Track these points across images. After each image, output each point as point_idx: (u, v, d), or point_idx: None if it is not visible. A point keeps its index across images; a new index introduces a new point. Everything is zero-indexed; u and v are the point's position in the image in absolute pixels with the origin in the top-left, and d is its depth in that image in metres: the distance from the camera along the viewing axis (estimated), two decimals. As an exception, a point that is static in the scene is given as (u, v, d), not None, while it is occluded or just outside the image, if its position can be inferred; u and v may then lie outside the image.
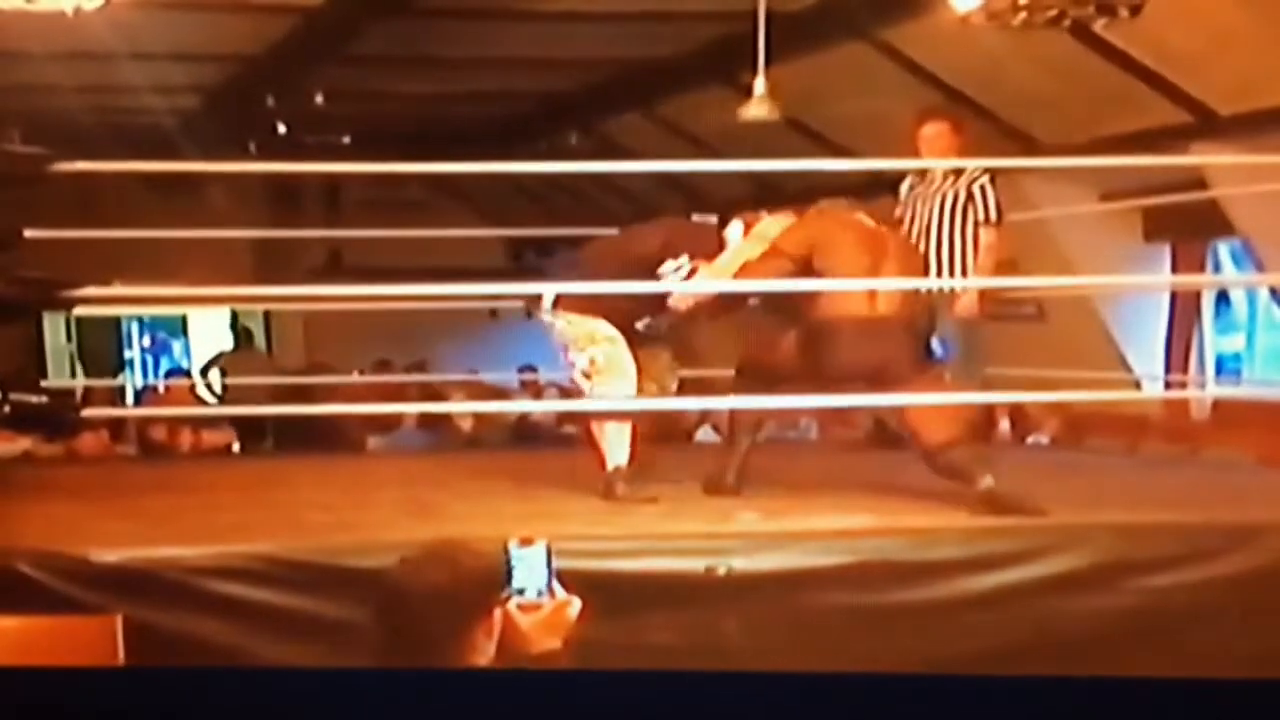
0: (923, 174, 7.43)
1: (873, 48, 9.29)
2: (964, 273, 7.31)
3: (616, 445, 6.03)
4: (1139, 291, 9.87)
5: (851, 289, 5.87)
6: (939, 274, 7.32)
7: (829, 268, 5.95)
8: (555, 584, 3.34)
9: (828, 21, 9.11)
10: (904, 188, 7.57)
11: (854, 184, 9.75)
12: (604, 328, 6.06)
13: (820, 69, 9.36)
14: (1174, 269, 9.67)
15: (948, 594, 5.14)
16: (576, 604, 3.35)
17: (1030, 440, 8.67)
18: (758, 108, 8.44)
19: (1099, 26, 7.30)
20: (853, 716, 2.34)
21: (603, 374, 6.05)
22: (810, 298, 5.91)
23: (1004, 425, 8.59)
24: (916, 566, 5.19)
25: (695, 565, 5.04)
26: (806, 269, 5.94)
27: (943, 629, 5.08)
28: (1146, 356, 9.65)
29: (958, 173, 7.30)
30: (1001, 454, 7.92)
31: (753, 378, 6.19)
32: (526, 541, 3.35)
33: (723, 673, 3.05)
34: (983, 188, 7.26)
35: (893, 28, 9.01)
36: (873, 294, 5.93)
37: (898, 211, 7.58)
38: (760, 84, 8.37)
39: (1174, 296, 9.71)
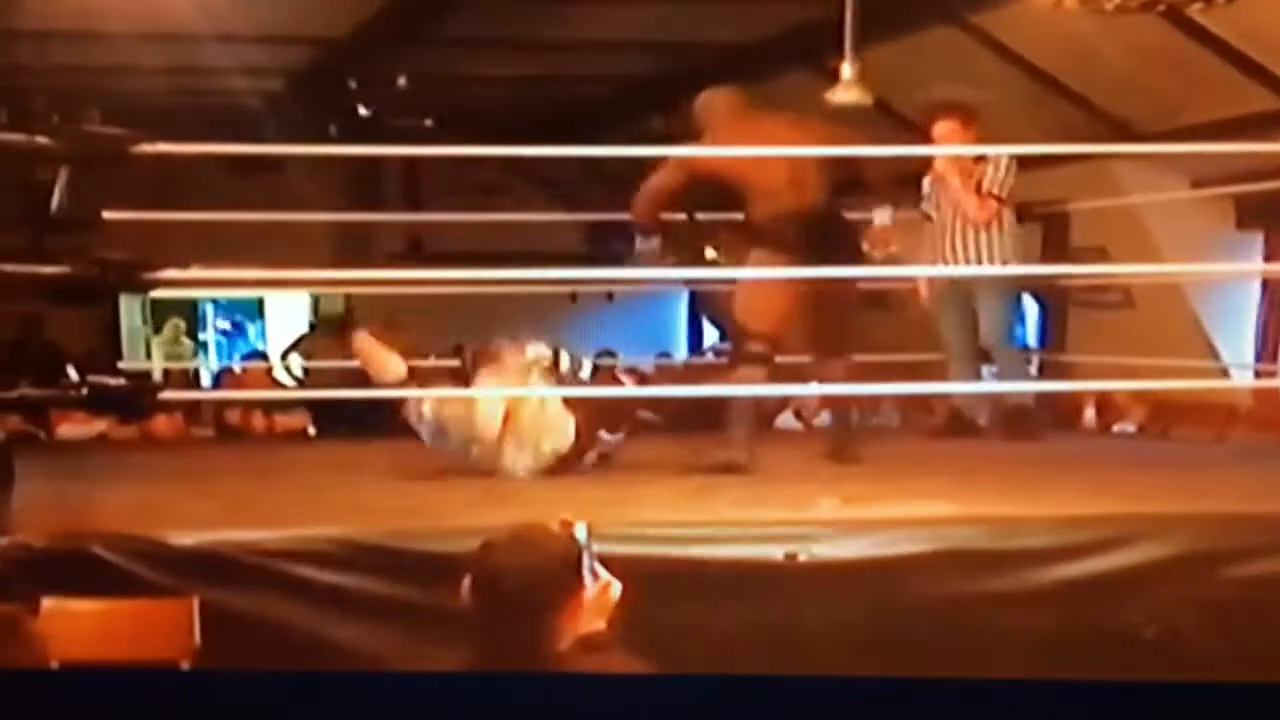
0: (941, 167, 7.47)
1: (963, 32, 9.20)
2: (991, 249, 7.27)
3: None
4: (1230, 280, 9.72)
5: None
6: (976, 260, 7.32)
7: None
8: (597, 566, 3.35)
9: (918, 5, 9.02)
10: (925, 183, 7.58)
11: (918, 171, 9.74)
12: None
13: (910, 54, 9.27)
14: (1267, 257, 9.51)
15: (1032, 583, 5.06)
16: (618, 586, 3.37)
17: (1116, 429, 8.56)
18: (847, 92, 8.35)
19: (1194, 11, 7.19)
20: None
21: None
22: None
23: (1090, 413, 8.50)
24: (1000, 555, 5.10)
25: (775, 552, 4.99)
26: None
27: (1027, 618, 5.00)
28: (1236, 345, 9.50)
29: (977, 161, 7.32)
30: (1087, 442, 7.86)
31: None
32: (566, 525, 3.36)
33: (722, 674, 3.04)
34: (995, 165, 7.29)
35: (984, 12, 8.91)
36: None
37: (923, 206, 7.57)
38: (849, 68, 8.29)
39: (1266, 285, 9.56)
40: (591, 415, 6.30)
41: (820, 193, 6.78)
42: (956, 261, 7.45)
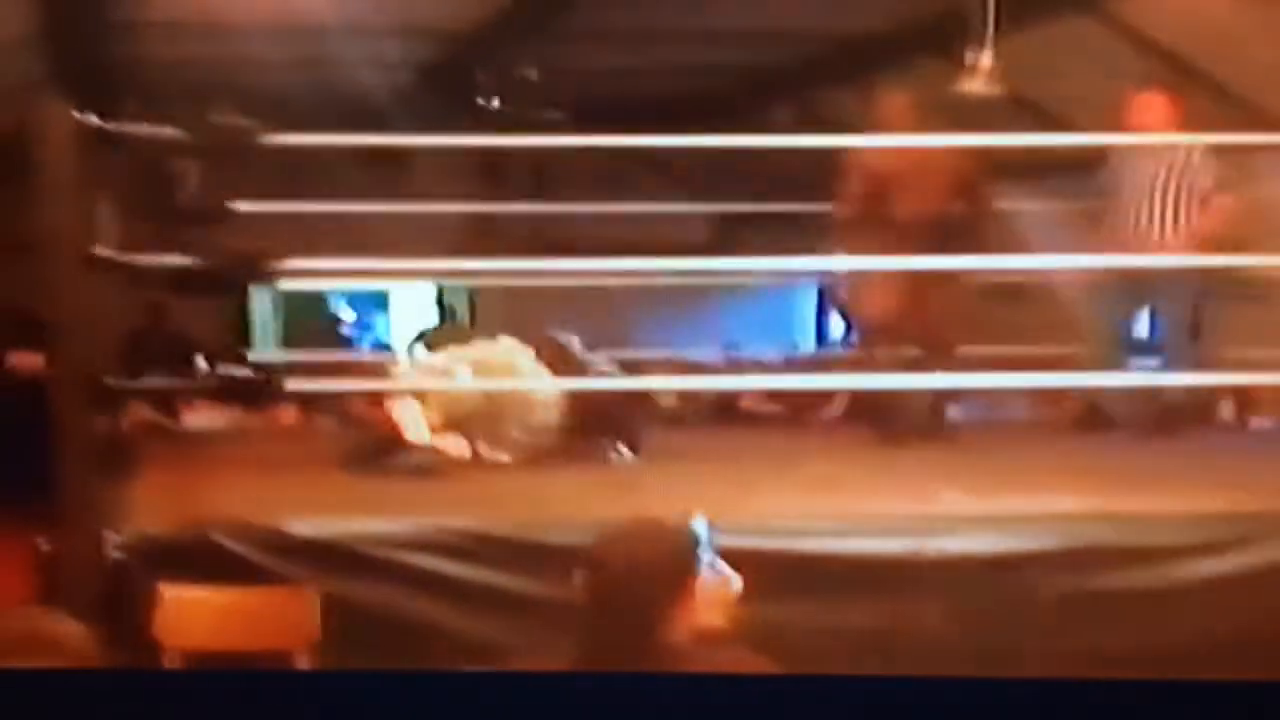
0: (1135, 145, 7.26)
1: (1100, 22, 9.04)
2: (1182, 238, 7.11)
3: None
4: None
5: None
6: (1163, 239, 7.15)
7: None
8: (718, 561, 3.31)
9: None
10: (1113, 159, 7.39)
11: (1079, 158, 9.56)
12: None
13: (1045, 44, 9.13)
14: None
15: (1163, 581, 4.95)
16: (738, 582, 3.35)
17: (1255, 424, 8.37)
18: (980, 82, 8.24)
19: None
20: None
21: None
22: None
23: (1227, 408, 8.31)
24: (1131, 552, 5.00)
25: (899, 547, 4.92)
26: None
27: (1158, 617, 4.90)
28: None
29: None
30: (1224, 438, 7.69)
31: None
32: (684, 518, 3.34)
33: (722, 674, 3.00)
34: (1204, 157, 7.06)
35: (1122, 1, 8.76)
36: None
37: (1104, 183, 7.40)
38: (984, 57, 8.17)
39: None
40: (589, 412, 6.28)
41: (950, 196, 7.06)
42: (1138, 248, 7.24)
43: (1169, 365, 7.45)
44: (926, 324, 7.08)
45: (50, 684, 2.38)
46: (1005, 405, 8.79)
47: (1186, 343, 7.28)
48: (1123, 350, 7.46)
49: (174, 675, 3.19)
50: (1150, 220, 7.19)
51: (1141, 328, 7.77)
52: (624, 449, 6.34)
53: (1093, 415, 7.40)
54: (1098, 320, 7.46)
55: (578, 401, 6.24)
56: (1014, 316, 11.05)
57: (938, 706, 2.25)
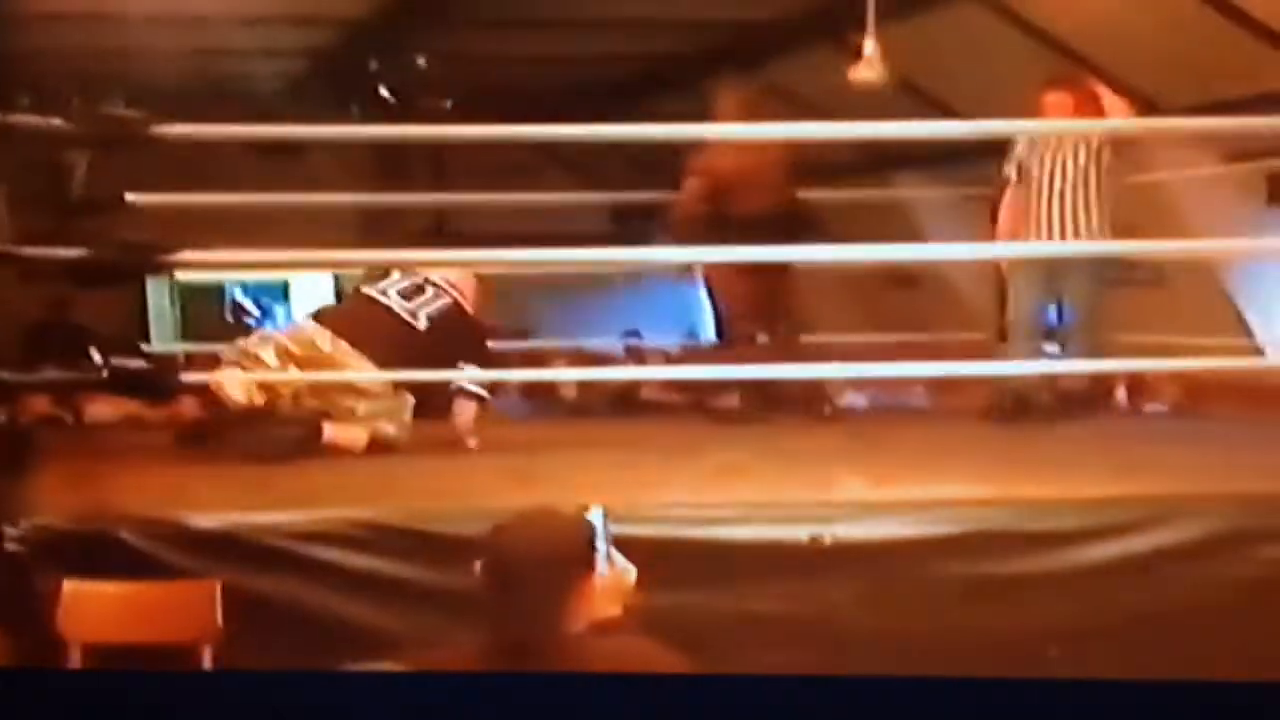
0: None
1: (986, 8, 9.14)
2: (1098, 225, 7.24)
3: None
4: (1263, 257, 9.65)
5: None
6: (1073, 234, 7.24)
7: None
8: (613, 551, 3.34)
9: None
10: (1020, 145, 7.47)
11: (964, 148, 9.66)
12: None
13: (932, 30, 9.23)
14: (1299, 233, 9.43)
15: (1061, 565, 5.04)
16: (633, 572, 3.38)
17: (1149, 409, 8.51)
18: (868, 70, 8.32)
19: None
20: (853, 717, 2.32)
21: None
22: None
23: (1121, 393, 8.45)
24: (1029, 537, 5.08)
25: (799, 533, 4.98)
26: None
27: (1056, 602, 4.98)
28: (1270, 323, 9.44)
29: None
30: (1119, 422, 7.82)
31: None
32: (581, 509, 3.36)
33: (722, 674, 3.05)
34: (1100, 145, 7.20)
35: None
36: None
37: (1006, 170, 7.49)
38: (870, 45, 8.25)
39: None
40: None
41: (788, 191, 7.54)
42: (1050, 230, 7.34)
43: (1069, 352, 7.57)
44: (773, 312, 7.53)
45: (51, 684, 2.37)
46: (905, 393, 8.90)
47: (1086, 329, 7.39)
48: (1036, 336, 7.57)
49: (168, 676, 3.17)
50: (1057, 207, 7.30)
51: (1050, 314, 7.86)
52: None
53: (1020, 404, 7.48)
54: (1013, 307, 7.56)
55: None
56: (911, 304, 11.20)
57: (939, 706, 2.28)
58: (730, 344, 7.72)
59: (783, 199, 7.56)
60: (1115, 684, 2.42)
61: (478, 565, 3.33)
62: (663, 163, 13.09)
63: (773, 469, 5.86)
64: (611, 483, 5.52)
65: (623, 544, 3.40)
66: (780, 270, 7.57)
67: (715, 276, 7.95)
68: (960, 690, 2.36)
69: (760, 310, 7.64)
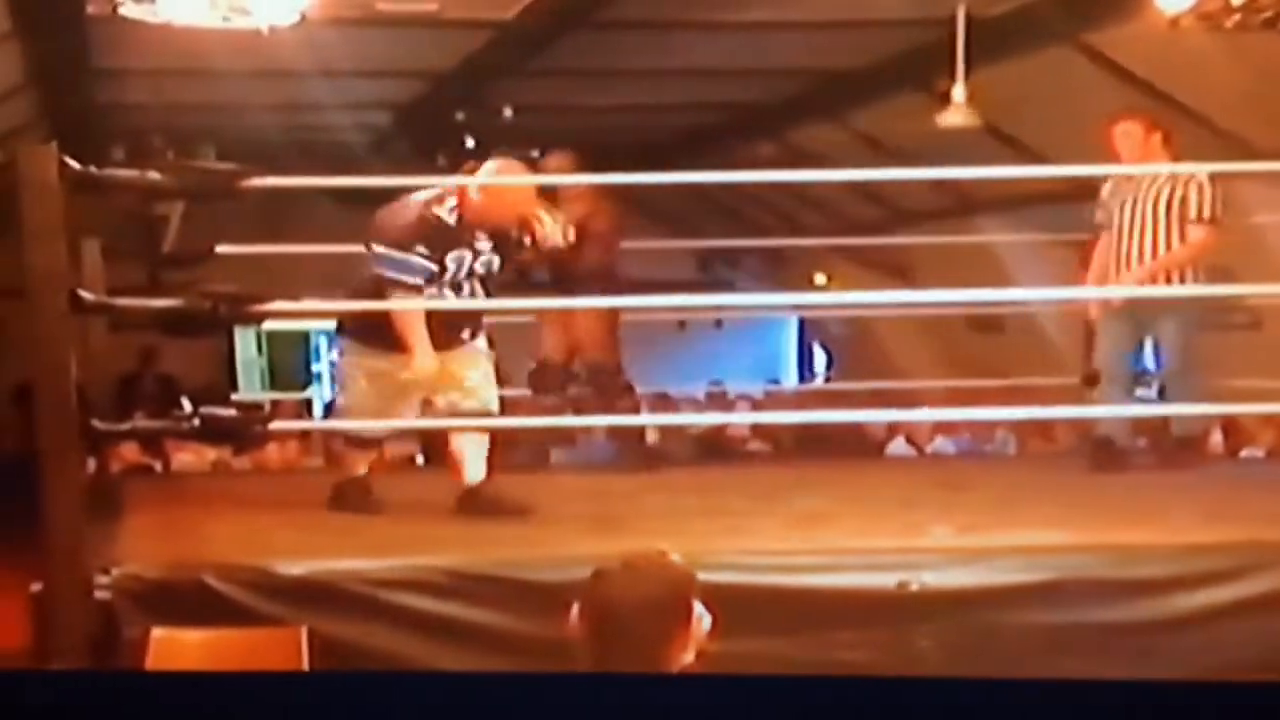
0: (1126, 175, 7.25)
1: (1077, 52, 9.10)
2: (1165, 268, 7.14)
3: (475, 461, 6.01)
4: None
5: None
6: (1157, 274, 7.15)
7: None
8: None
9: (1029, 26, 8.94)
10: (1104, 190, 7.40)
11: (1056, 191, 9.61)
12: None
13: (1021, 75, 9.20)
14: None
15: (1151, 613, 4.98)
16: (707, 619, 3.34)
17: (1244, 454, 8.41)
18: (956, 114, 8.31)
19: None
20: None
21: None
22: None
23: (1216, 437, 8.34)
24: (1119, 584, 5.03)
25: (887, 581, 4.95)
26: None
27: (1146, 650, 4.92)
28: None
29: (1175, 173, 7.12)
30: (1214, 467, 7.72)
31: None
32: (662, 555, 3.37)
33: (722, 674, 3.03)
34: (1199, 186, 7.04)
35: (1098, 32, 8.82)
36: None
37: (1097, 216, 7.41)
38: (959, 90, 8.24)
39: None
40: None
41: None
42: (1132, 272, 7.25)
43: (1163, 396, 7.47)
44: (594, 359, 7.44)
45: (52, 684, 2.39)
46: (992, 438, 8.84)
47: (1180, 373, 7.28)
48: (1126, 381, 7.47)
49: (169, 676, 3.19)
50: (1137, 250, 7.20)
51: (1146, 358, 7.75)
52: None
53: (1110, 451, 7.38)
54: (1101, 352, 7.47)
55: None
56: (996, 349, 11.14)
57: (939, 707, 2.27)
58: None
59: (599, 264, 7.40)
60: (1116, 684, 2.40)
61: (574, 612, 3.32)
62: (747, 210, 13.12)
63: (859, 515, 5.83)
64: (695, 529, 5.51)
65: (705, 591, 3.39)
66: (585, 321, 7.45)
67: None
68: (961, 690, 2.34)
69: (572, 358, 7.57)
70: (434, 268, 5.93)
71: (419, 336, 5.88)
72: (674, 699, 2.41)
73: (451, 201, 5.97)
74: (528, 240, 6.15)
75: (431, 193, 6.05)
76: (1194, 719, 2.22)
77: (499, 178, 6.05)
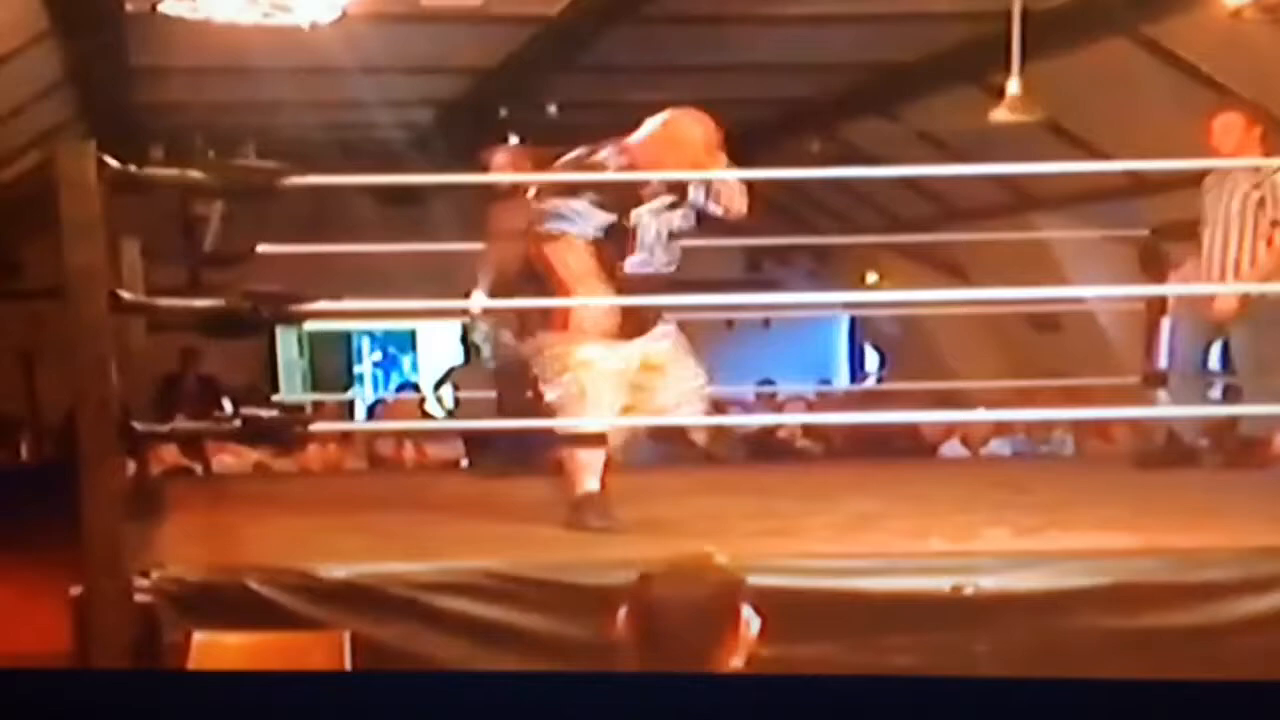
0: (1221, 172, 7.17)
1: (1136, 45, 9.04)
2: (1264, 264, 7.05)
3: (589, 471, 5.75)
4: None
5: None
6: (1233, 276, 7.07)
7: None
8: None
9: (1087, 18, 8.89)
10: (1203, 186, 7.32)
11: (1115, 187, 9.55)
12: (583, 352, 5.74)
13: (1078, 69, 9.15)
14: None
15: (1214, 618, 4.93)
16: (756, 623, 3.34)
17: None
18: (1011, 109, 8.26)
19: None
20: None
21: (574, 403, 5.73)
22: None
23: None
24: (1183, 588, 4.98)
25: (941, 584, 4.92)
26: None
27: (1210, 655, 4.88)
28: None
29: (1258, 170, 7.03)
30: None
31: None
32: (707, 558, 3.36)
33: (722, 674, 3.02)
34: (1274, 185, 6.96)
35: (1157, 24, 8.76)
36: None
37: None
38: (1014, 84, 8.19)
39: None
40: None
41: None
42: (1210, 270, 7.17)
43: (1234, 396, 7.41)
44: None
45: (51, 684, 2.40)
46: (1050, 439, 8.79)
47: (1253, 373, 7.21)
48: (1199, 381, 7.41)
49: (175, 676, 3.20)
50: (1220, 250, 7.13)
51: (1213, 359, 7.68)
52: None
53: (1177, 449, 7.32)
54: (1175, 350, 7.41)
55: None
56: (1055, 348, 11.08)
57: (940, 706, 2.26)
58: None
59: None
60: (1116, 683, 2.38)
61: (621, 616, 3.32)
62: (798, 208, 13.10)
63: (912, 517, 5.80)
64: (744, 531, 5.50)
65: (754, 594, 3.38)
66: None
67: None
68: (961, 690, 2.33)
69: None
70: (610, 216, 5.68)
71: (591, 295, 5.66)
72: (675, 698, 2.41)
73: (616, 154, 5.76)
74: (714, 206, 5.88)
75: (590, 149, 5.83)
76: (1198, 719, 2.21)
77: (676, 124, 5.79)
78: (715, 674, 3.08)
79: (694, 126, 5.85)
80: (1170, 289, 7.27)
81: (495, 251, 6.93)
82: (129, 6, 8.53)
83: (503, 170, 7.27)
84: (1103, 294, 8.27)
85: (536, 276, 5.82)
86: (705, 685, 2.60)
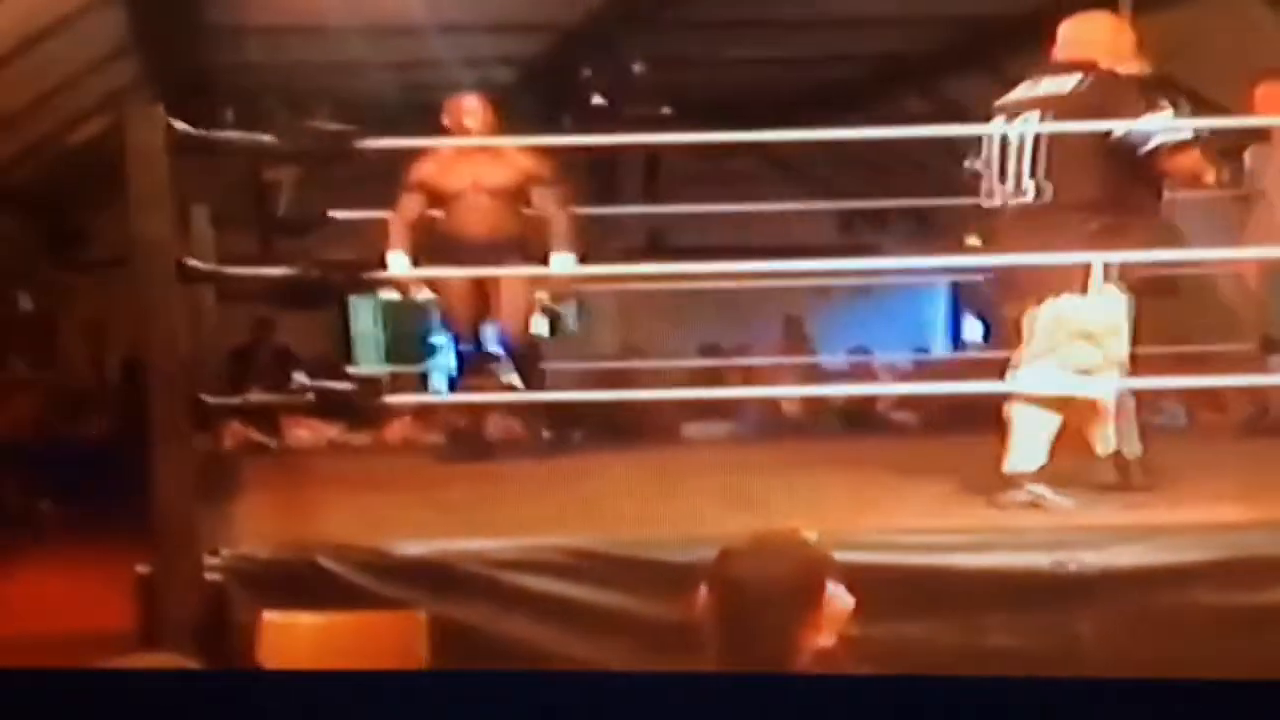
0: (1265, 134, 7.13)
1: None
2: None
3: (1026, 443, 5.62)
4: None
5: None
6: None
7: None
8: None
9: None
10: (1247, 156, 7.30)
11: (1231, 145, 9.43)
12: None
13: (1192, 21, 9.04)
14: None
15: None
16: (848, 601, 3.34)
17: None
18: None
19: None
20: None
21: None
22: None
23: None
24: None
25: (1041, 561, 4.90)
26: None
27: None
28: None
29: None
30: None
31: None
32: (794, 533, 3.37)
33: (722, 674, 3.02)
34: None
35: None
36: None
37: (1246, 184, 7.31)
38: (1124, 38, 8.09)
39: None
40: None
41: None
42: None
43: None
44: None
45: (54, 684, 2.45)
46: (1162, 410, 8.69)
47: None
48: None
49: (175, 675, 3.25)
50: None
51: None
52: None
53: (1258, 418, 7.28)
54: (1272, 312, 7.35)
55: None
56: (1170, 314, 10.94)
57: (941, 706, 2.28)
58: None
59: (507, 228, 7.38)
60: (1117, 683, 2.38)
61: (702, 593, 3.34)
62: (896, 168, 13.02)
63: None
64: (835, 506, 5.50)
65: (844, 571, 3.39)
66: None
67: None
68: (961, 690, 2.34)
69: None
70: None
71: None
72: (675, 698, 2.44)
73: None
74: None
75: None
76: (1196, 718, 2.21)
77: None
78: (716, 674, 3.09)
79: None
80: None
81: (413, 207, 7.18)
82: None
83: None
84: (1203, 256, 8.15)
85: None
86: (706, 685, 2.62)
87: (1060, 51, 5.86)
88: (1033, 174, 5.63)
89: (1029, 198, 5.65)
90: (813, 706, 2.37)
